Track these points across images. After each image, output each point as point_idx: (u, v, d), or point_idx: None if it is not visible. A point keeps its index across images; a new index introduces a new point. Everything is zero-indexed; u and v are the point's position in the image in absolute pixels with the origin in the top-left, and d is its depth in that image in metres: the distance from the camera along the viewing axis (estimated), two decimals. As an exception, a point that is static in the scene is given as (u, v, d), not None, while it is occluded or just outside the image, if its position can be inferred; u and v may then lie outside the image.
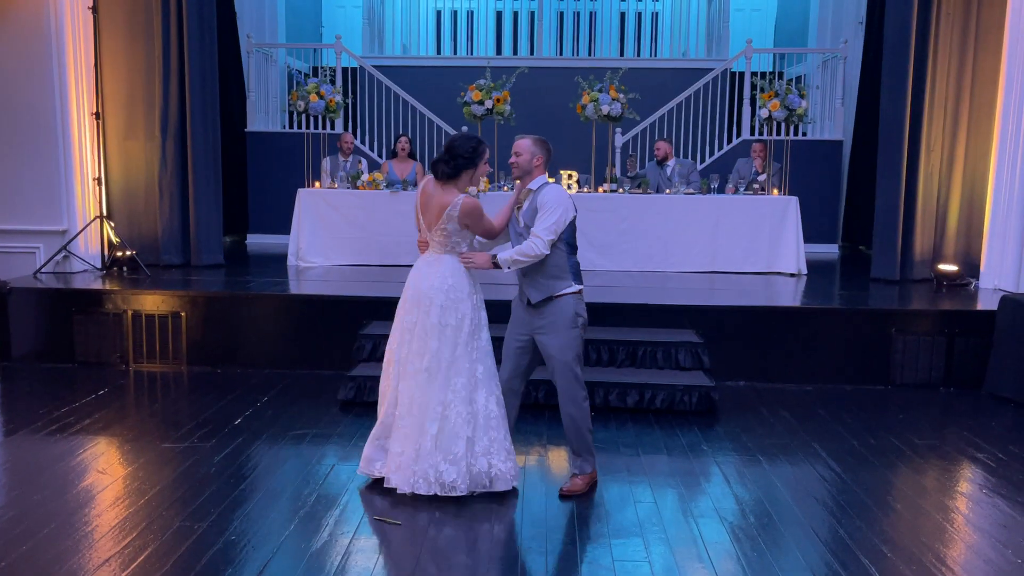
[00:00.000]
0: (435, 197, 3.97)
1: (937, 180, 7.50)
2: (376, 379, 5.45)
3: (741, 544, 3.58)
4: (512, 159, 4.04)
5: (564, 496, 4.06)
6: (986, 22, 7.24)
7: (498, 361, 4.13)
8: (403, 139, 8.90)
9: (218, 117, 7.91)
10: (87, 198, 7.39)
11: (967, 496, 4.23)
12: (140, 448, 4.62)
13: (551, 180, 4.11)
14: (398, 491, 3.94)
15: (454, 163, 3.94)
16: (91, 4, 7.25)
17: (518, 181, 4.08)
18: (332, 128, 9.45)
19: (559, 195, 3.98)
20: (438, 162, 3.98)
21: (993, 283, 6.97)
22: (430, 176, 4.05)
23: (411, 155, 8.98)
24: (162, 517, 3.71)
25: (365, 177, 8.27)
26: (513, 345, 4.17)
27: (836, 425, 5.22)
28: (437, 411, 3.92)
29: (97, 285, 6.70)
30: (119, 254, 7.39)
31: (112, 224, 7.50)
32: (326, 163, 8.72)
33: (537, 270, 4.01)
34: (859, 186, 10.05)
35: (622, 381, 5.47)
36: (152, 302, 6.35)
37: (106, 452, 4.59)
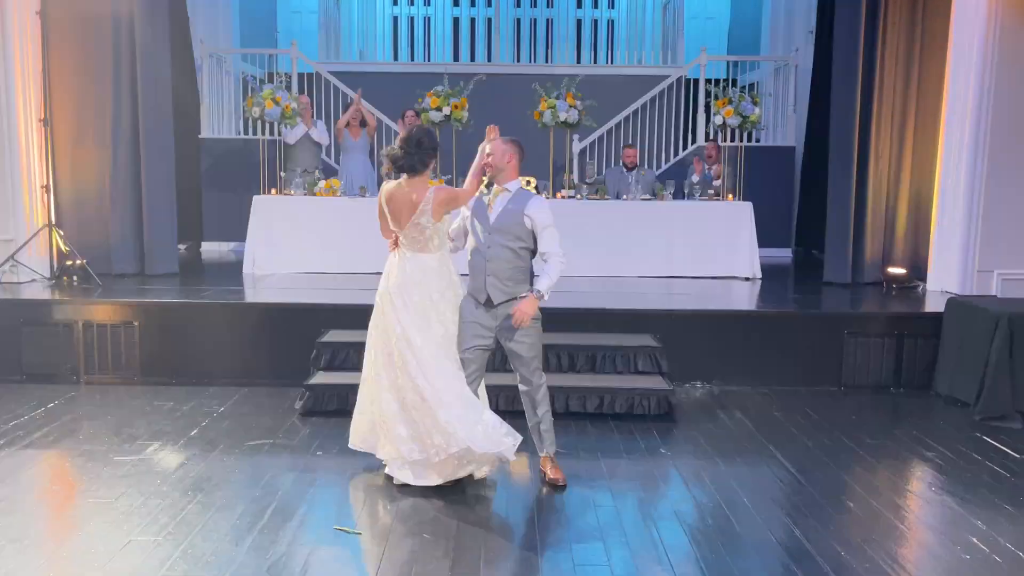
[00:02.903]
0: (405, 195, 4.07)
1: (886, 186, 7.70)
2: (334, 387, 5.43)
3: (700, 546, 3.62)
4: (486, 160, 4.15)
5: (563, 485, 4.22)
6: (931, 32, 7.46)
7: None
8: (351, 108, 8.92)
9: (171, 123, 7.79)
10: (35, 206, 7.22)
11: (917, 495, 4.33)
12: (92, 462, 4.52)
13: (529, 186, 4.22)
14: None
15: (420, 154, 4.03)
16: (39, 9, 7.10)
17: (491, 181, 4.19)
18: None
19: (548, 209, 4.11)
20: (404, 156, 4.03)
21: (940, 286, 7.16)
22: (391, 181, 4.11)
23: (361, 123, 8.95)
24: (115, 532, 3.64)
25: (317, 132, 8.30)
26: (475, 347, 4.18)
27: (791, 427, 5.31)
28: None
29: (46, 295, 6.55)
30: (69, 263, 7.21)
31: (61, 233, 7.33)
32: (286, 130, 8.68)
33: (506, 273, 4.08)
34: (811, 191, 10.24)
35: (581, 386, 5.51)
36: (103, 312, 6.22)
37: (57, 467, 4.49)
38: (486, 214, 4.14)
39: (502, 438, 4.01)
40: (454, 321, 4.15)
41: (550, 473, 4.29)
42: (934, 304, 6.60)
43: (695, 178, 8.67)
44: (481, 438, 3.96)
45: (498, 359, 5.25)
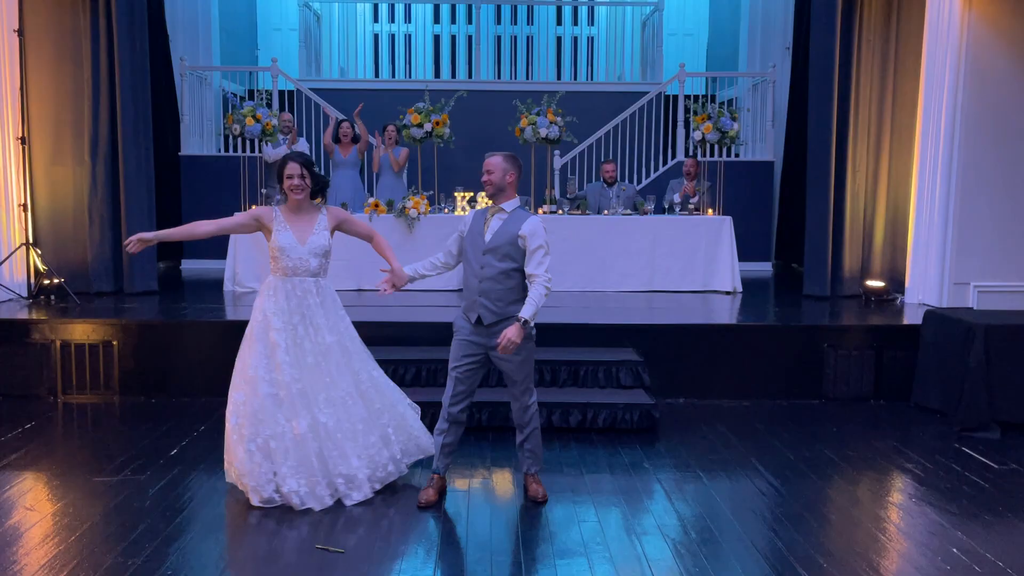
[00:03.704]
0: None
1: (863, 199, 7.79)
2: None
3: (683, 560, 3.63)
4: (484, 177, 4.07)
5: (543, 501, 4.23)
6: (904, 48, 7.58)
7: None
8: (344, 124, 8.89)
9: (151, 141, 7.76)
10: (12, 225, 7.16)
11: (898, 505, 4.36)
12: (70, 483, 4.47)
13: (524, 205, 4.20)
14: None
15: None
16: (17, 27, 7.07)
17: (488, 200, 4.15)
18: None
19: (543, 229, 4.05)
20: None
21: (917, 298, 7.24)
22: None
23: (354, 139, 8.92)
24: (94, 554, 3.59)
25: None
26: (466, 364, 4.16)
27: (772, 439, 5.34)
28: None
29: (23, 314, 6.48)
30: (46, 282, 7.15)
31: (39, 251, 7.27)
32: (268, 148, 8.66)
33: (497, 294, 4.04)
34: (790, 205, 10.35)
35: (565, 401, 5.51)
36: (81, 331, 6.16)
37: (34, 488, 4.43)
38: (482, 234, 4.08)
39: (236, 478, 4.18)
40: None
41: (530, 491, 4.29)
42: (912, 316, 6.67)
43: (677, 197, 8.73)
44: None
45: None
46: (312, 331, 4.18)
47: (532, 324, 4.03)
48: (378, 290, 4.27)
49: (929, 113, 7.11)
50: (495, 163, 4.08)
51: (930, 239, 7.09)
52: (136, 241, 4.13)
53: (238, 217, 4.29)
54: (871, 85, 7.69)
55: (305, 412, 4.11)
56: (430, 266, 4.30)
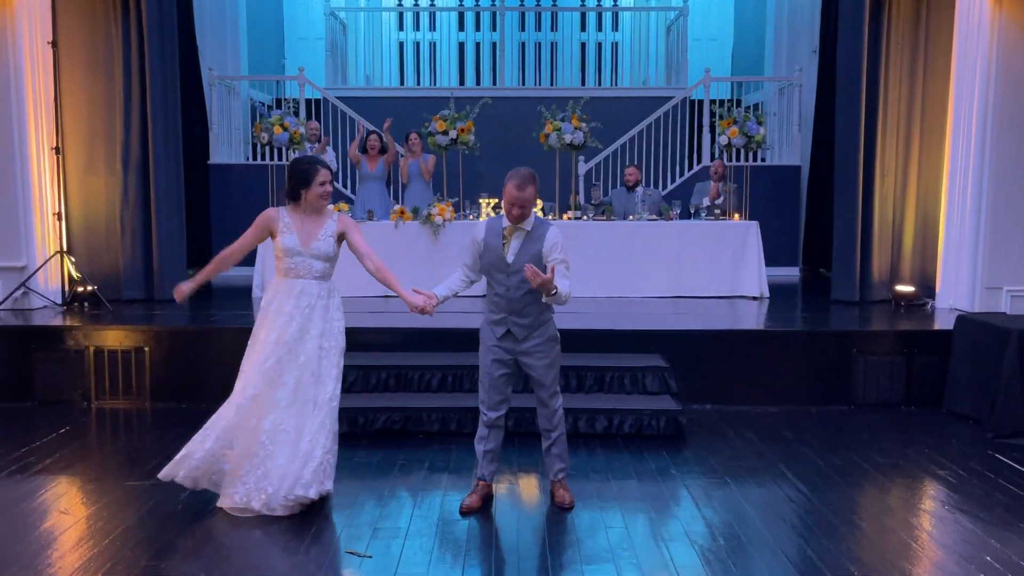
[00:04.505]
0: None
1: (892, 203, 7.71)
2: (344, 410, 5.42)
3: (712, 567, 3.61)
4: (516, 211, 3.95)
5: (570, 507, 4.21)
6: (934, 50, 7.50)
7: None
8: (372, 136, 8.95)
9: (180, 150, 7.88)
10: (47, 233, 7.30)
11: (930, 513, 4.31)
12: (104, 487, 4.54)
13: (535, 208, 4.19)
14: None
15: (290, 185, 4.18)
16: (51, 39, 7.21)
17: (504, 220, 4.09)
18: (296, 159, 9.46)
19: (562, 240, 4.04)
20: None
21: (948, 303, 7.14)
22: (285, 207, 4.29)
23: (381, 151, 8.97)
24: (127, 558, 3.64)
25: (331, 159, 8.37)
26: (498, 373, 4.16)
27: (801, 446, 5.29)
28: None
29: (57, 321, 6.60)
30: (80, 289, 7.28)
31: (72, 259, 7.40)
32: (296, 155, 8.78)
33: (527, 310, 4.04)
34: (817, 210, 10.26)
35: (591, 407, 5.50)
36: (114, 337, 6.26)
37: (68, 492, 4.50)
38: (502, 254, 4.03)
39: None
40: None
41: (557, 497, 4.29)
42: (943, 321, 6.58)
43: (706, 201, 8.68)
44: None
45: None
46: (303, 337, 4.19)
47: (562, 296, 3.94)
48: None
49: (959, 115, 7.02)
50: (531, 195, 3.95)
51: (961, 243, 7.00)
52: (178, 292, 4.27)
53: (250, 234, 4.26)
54: (900, 87, 7.61)
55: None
56: (460, 283, 4.20)
